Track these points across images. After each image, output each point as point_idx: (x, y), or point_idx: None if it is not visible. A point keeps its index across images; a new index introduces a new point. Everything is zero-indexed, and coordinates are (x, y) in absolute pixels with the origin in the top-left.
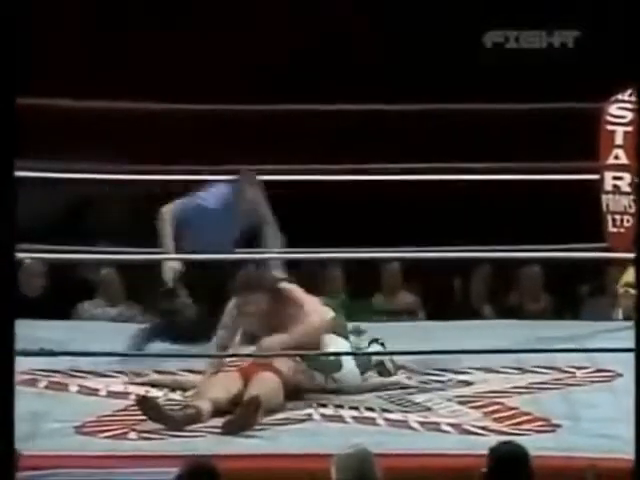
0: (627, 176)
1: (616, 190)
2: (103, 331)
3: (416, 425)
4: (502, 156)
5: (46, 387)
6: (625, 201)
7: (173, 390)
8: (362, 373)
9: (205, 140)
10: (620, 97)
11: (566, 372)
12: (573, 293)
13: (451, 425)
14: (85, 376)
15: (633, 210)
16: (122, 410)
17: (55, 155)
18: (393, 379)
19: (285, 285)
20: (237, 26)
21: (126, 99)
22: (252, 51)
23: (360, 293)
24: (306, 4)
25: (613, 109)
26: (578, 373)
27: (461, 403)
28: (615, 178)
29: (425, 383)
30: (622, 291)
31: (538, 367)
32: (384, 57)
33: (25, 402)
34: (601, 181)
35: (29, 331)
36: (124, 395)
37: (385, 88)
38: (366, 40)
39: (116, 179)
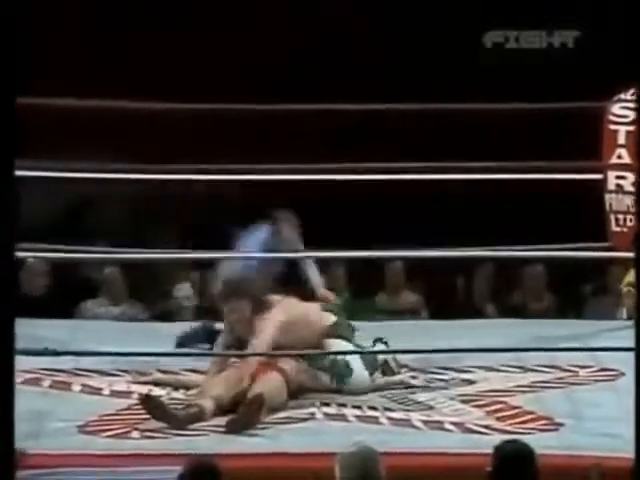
0: (630, 175)
1: (619, 189)
2: (106, 330)
3: (419, 424)
4: (504, 156)
5: (50, 386)
6: (628, 200)
7: (176, 389)
8: (370, 374)
9: (205, 139)
10: (623, 96)
11: (569, 371)
12: (576, 292)
13: (454, 424)
14: (88, 375)
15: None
16: (125, 409)
17: (57, 154)
18: (397, 378)
19: (271, 296)
20: (237, 26)
21: (126, 99)
22: (252, 51)
23: (363, 292)
24: (306, 4)
25: (616, 108)
26: (581, 372)
27: (464, 402)
28: (618, 177)
29: (428, 382)
30: (626, 290)
31: (541, 366)
32: (384, 57)
33: (30, 401)
34: (604, 180)
35: (32, 330)
36: (127, 394)
37: (385, 88)
38: (366, 40)
39: (117, 178)
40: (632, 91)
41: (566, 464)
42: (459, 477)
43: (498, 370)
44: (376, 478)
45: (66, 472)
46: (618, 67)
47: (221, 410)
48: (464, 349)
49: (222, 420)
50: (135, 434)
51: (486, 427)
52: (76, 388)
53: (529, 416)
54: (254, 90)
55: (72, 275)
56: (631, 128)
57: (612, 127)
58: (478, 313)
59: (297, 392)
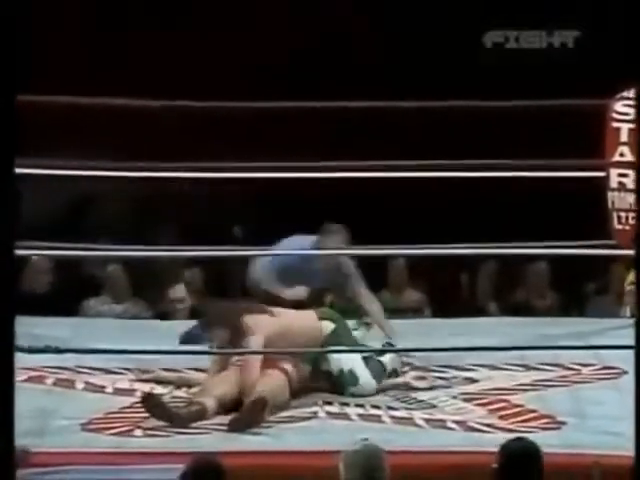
0: (632, 173)
1: (621, 187)
2: (109, 328)
3: (422, 422)
4: (507, 154)
5: (54, 384)
6: (630, 198)
7: (179, 387)
8: (378, 382)
9: (204, 138)
10: (626, 94)
11: (572, 369)
12: (579, 290)
13: (456, 422)
14: (92, 373)
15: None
16: (128, 407)
17: (58, 152)
18: (401, 380)
19: (249, 317)
20: (237, 26)
21: (126, 97)
22: (252, 51)
23: None
24: (306, 4)
25: (619, 106)
26: (584, 370)
27: (466, 400)
28: (620, 175)
29: (432, 382)
30: (629, 289)
31: (544, 364)
32: (384, 57)
33: (34, 399)
34: (607, 178)
35: (36, 328)
36: (130, 392)
37: (385, 88)
38: (366, 40)
39: (120, 176)
40: (634, 90)
41: (568, 462)
42: (461, 475)
43: (501, 368)
44: (380, 476)
45: (70, 470)
46: (618, 67)
47: (223, 409)
48: (467, 347)
49: (224, 419)
50: (138, 432)
51: (488, 425)
52: (79, 386)
53: (531, 414)
54: (254, 90)
55: (75, 273)
56: (633, 126)
57: (615, 125)
58: (481, 311)
59: (299, 392)
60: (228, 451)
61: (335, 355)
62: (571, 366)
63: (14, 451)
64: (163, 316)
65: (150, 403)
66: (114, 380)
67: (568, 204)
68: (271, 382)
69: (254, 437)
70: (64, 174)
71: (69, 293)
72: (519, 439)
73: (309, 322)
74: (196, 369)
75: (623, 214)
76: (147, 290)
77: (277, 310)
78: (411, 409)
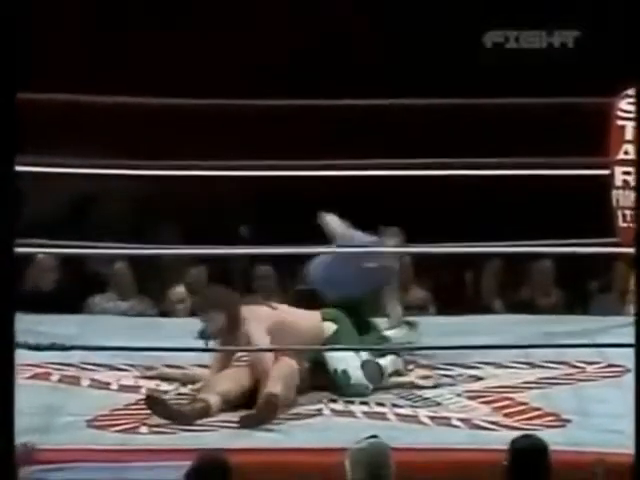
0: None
1: (626, 185)
2: (114, 325)
3: (426, 420)
4: (512, 152)
5: (59, 380)
6: (634, 196)
7: (184, 384)
8: (373, 384)
9: (206, 136)
10: (630, 92)
11: (576, 367)
12: (584, 288)
13: (461, 420)
14: (97, 370)
15: None
16: (133, 404)
17: (60, 150)
18: (406, 379)
19: (246, 310)
20: (237, 26)
21: (126, 96)
22: (252, 51)
23: None
24: (306, 4)
25: (623, 104)
26: (589, 368)
27: (471, 398)
28: (625, 173)
29: (436, 380)
30: (633, 286)
31: (549, 362)
32: (384, 57)
33: (39, 396)
34: (611, 176)
35: (41, 326)
36: (135, 389)
37: (385, 88)
38: (366, 40)
39: (119, 174)
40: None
41: (572, 460)
42: (466, 473)
43: (505, 366)
44: (386, 474)
45: (75, 467)
46: (618, 67)
47: (228, 405)
48: (471, 345)
49: (229, 416)
50: (144, 429)
51: (493, 423)
52: (85, 383)
53: (536, 412)
54: (254, 90)
55: (80, 270)
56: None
57: (620, 123)
58: (486, 309)
59: (302, 389)
60: (234, 448)
61: (333, 355)
62: (576, 364)
63: (14, 449)
64: (169, 313)
65: (152, 403)
66: (119, 377)
67: (573, 202)
68: (282, 371)
69: (259, 434)
70: (64, 172)
71: (75, 290)
72: (528, 436)
73: (312, 322)
74: (201, 366)
75: (627, 212)
76: (152, 287)
77: (279, 306)
78: (416, 407)
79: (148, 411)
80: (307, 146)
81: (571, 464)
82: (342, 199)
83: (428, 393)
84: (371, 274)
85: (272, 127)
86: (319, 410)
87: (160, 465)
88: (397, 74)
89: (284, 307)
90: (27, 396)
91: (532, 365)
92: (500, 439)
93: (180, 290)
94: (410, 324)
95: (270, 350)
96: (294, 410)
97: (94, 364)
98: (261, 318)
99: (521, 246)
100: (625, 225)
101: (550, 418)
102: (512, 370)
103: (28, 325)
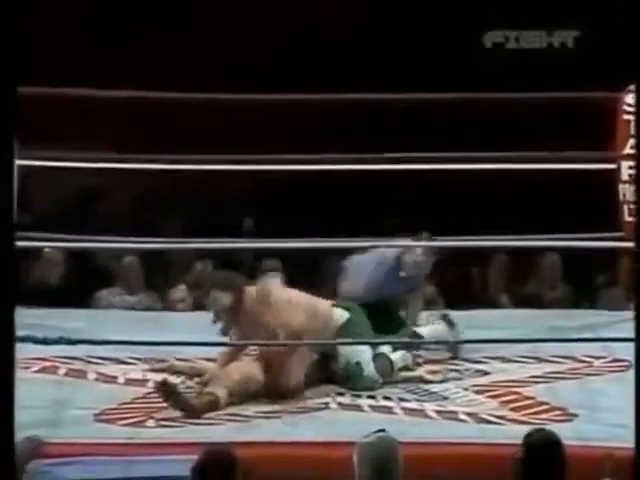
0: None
1: (632, 180)
2: (122, 319)
3: (433, 414)
4: (518, 146)
5: (66, 374)
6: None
7: (191, 378)
8: (382, 378)
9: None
10: (632, 88)
11: (583, 362)
12: (590, 283)
13: (468, 414)
14: (103, 363)
15: None
16: (141, 398)
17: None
18: (415, 374)
19: (254, 289)
20: (237, 26)
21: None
22: (252, 51)
23: None
24: (305, 4)
25: (629, 98)
26: (595, 363)
27: (478, 392)
28: (631, 168)
29: (444, 375)
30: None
31: (556, 357)
32: (384, 57)
33: (47, 389)
34: (618, 170)
35: (48, 320)
36: (142, 382)
37: (385, 88)
38: (366, 40)
39: (130, 168)
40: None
41: (580, 454)
42: (473, 467)
43: (512, 361)
44: (394, 468)
45: (83, 461)
46: (618, 67)
47: (237, 399)
48: (478, 340)
49: (237, 409)
50: (151, 422)
51: (500, 418)
52: (91, 376)
53: (543, 407)
54: (254, 91)
55: (88, 265)
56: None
57: (626, 117)
58: (493, 303)
59: (310, 379)
60: (241, 441)
61: (346, 346)
62: (582, 358)
63: (14, 444)
64: (175, 308)
65: (166, 391)
66: (126, 370)
67: (580, 196)
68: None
69: (266, 427)
70: (67, 166)
71: (82, 285)
72: (541, 430)
73: (325, 308)
74: (208, 359)
75: (634, 206)
76: (159, 282)
77: (287, 289)
78: (423, 401)
79: (156, 404)
80: (309, 140)
81: (578, 458)
82: (345, 193)
83: (435, 387)
84: (407, 281)
85: (276, 121)
86: (326, 404)
87: (167, 459)
88: (397, 74)
89: (292, 291)
90: (34, 390)
91: (539, 359)
92: (507, 433)
93: (181, 289)
94: (450, 322)
95: (277, 345)
96: (301, 404)
97: (101, 358)
98: (291, 299)
99: (528, 240)
100: (631, 219)
101: (557, 412)
102: (519, 364)
103: (35, 319)
